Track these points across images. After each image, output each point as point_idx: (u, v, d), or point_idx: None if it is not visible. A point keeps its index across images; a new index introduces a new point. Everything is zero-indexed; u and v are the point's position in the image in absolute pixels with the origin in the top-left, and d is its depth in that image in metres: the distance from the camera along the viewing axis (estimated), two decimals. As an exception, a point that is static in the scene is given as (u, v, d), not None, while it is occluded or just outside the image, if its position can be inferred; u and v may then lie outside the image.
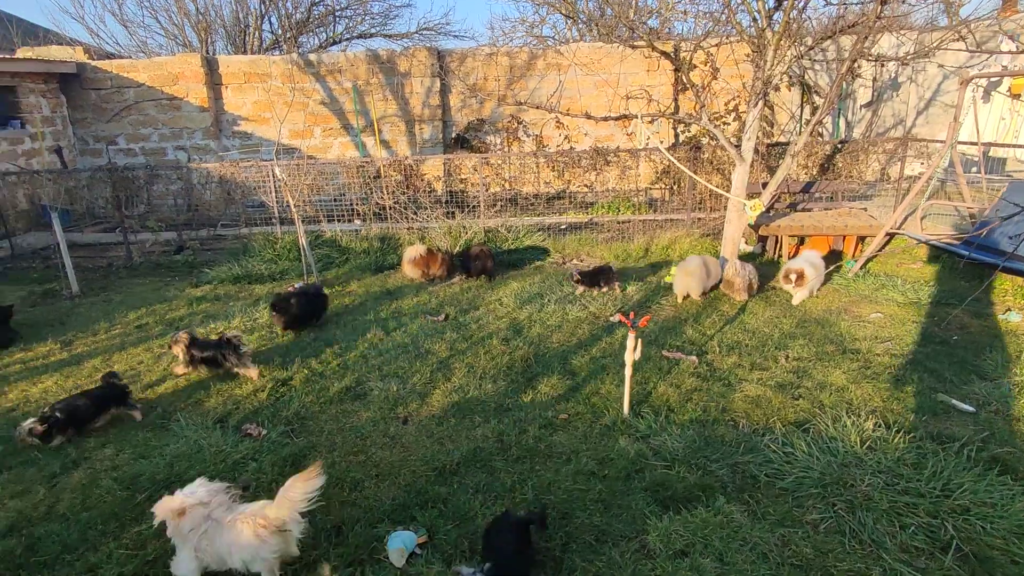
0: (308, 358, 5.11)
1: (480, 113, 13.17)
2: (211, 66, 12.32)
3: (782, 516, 3.00)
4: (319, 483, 2.63)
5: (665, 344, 5.18)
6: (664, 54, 6.51)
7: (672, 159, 6.63)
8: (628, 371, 3.91)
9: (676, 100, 13.04)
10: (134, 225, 9.77)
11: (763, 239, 8.15)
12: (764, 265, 7.44)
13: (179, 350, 4.77)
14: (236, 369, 4.74)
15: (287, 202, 7.38)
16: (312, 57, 12.58)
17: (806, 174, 10.02)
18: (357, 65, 12.50)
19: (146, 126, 12.52)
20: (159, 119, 12.48)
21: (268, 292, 7.10)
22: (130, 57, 15.03)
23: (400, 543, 2.83)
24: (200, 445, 3.79)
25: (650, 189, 12.13)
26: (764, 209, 6.89)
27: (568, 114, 7.05)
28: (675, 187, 10.83)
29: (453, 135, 13.33)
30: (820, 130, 12.49)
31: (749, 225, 7.71)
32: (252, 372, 4.74)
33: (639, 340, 3.87)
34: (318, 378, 4.76)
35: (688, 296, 6.30)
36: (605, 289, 6.55)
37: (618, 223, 9.76)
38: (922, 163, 9.98)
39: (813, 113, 12.10)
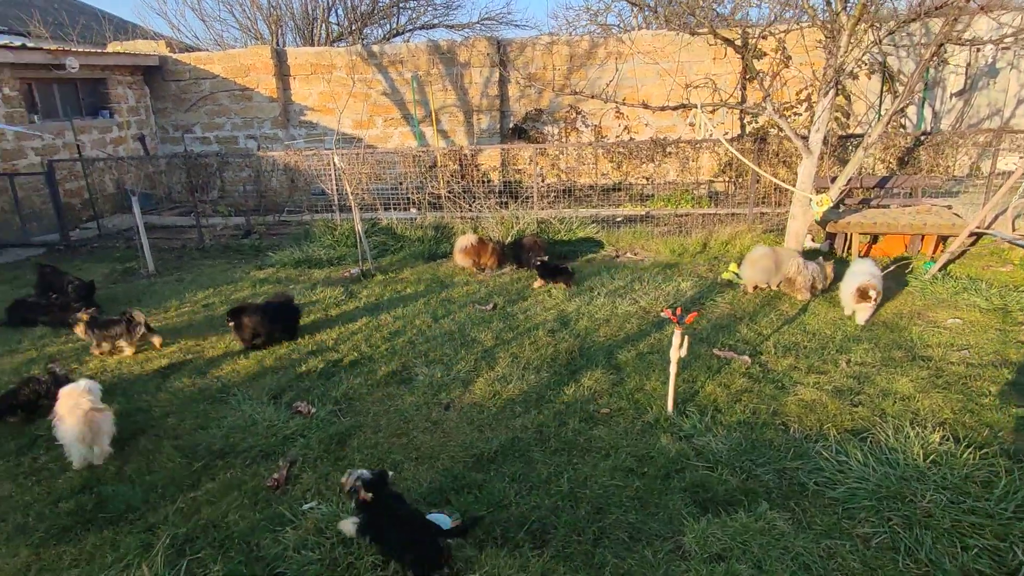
0: (358, 342, 5.26)
1: (538, 103, 13.10)
2: (280, 58, 12.81)
3: (829, 527, 2.85)
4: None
5: (717, 343, 5.01)
6: (727, 41, 6.24)
7: (733, 150, 6.38)
8: (673, 368, 3.81)
9: (743, 89, 12.53)
10: (206, 209, 10.33)
11: (831, 236, 7.73)
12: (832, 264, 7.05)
13: (80, 329, 5.03)
14: (125, 343, 5.15)
15: (346, 190, 7.60)
16: (375, 48, 12.86)
17: (885, 168, 9.41)
18: (418, 55, 12.68)
19: (220, 115, 13.17)
20: (232, 109, 13.11)
21: (326, 276, 7.36)
22: (207, 50, 15.82)
23: (434, 526, 2.88)
24: (255, 419, 3.98)
25: (712, 182, 11.75)
26: (832, 205, 6.53)
27: (625, 104, 6.90)
28: (739, 180, 10.44)
29: (511, 125, 13.33)
30: (902, 121, 11.69)
31: (816, 221, 7.33)
32: (156, 340, 5.30)
33: (685, 337, 3.75)
34: (367, 361, 4.89)
35: (758, 287, 6.13)
36: (562, 286, 6.61)
37: (676, 216, 9.50)
38: (1021, 156, 9.17)
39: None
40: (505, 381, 4.45)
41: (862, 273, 5.35)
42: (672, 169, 10.56)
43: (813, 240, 7.88)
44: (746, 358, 4.65)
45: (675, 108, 6.47)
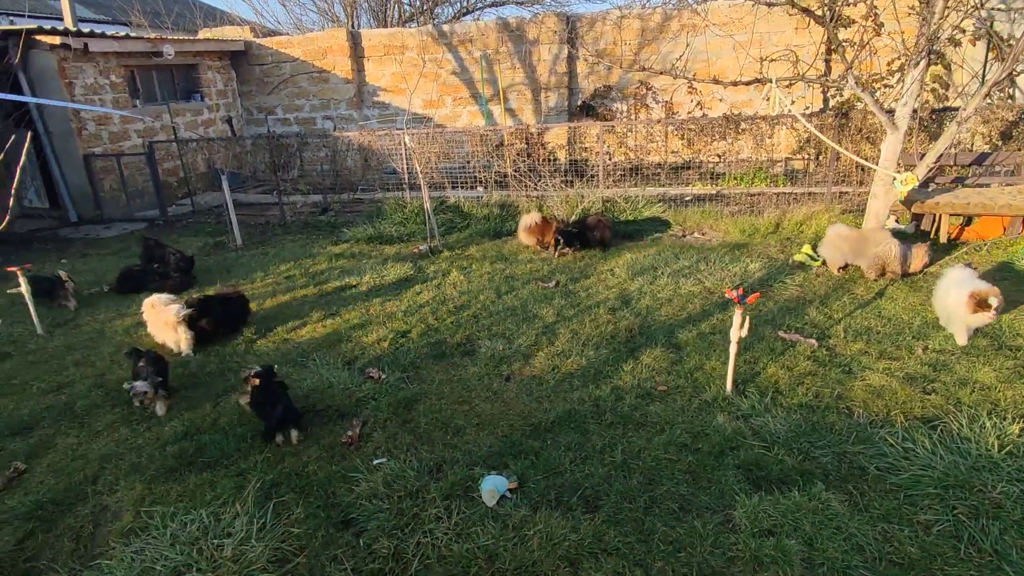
0: (426, 315, 5.52)
1: (607, 79, 12.90)
2: (355, 40, 13.23)
3: (888, 512, 2.81)
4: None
5: (783, 325, 4.91)
6: (805, 11, 5.94)
7: (810, 126, 6.10)
8: (733, 348, 3.80)
9: (827, 61, 11.82)
10: (287, 188, 10.95)
11: (917, 217, 7.28)
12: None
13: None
14: (64, 303, 6.14)
15: (415, 169, 7.86)
16: (445, 28, 13.03)
17: (986, 143, 8.70)
18: (487, 34, 12.75)
19: (299, 97, 13.81)
20: (310, 91, 13.71)
21: (396, 252, 7.69)
22: (287, 34, 16.52)
23: (492, 485, 3.07)
24: (331, 382, 4.31)
25: (790, 160, 11.25)
26: (919, 184, 6.14)
27: (696, 79, 6.72)
28: (819, 158, 9.95)
29: (579, 102, 13.21)
30: (1010, 91, 10.69)
31: (900, 201, 6.92)
32: (71, 304, 6.15)
33: (747, 317, 3.73)
34: (433, 332, 5.14)
35: (843, 269, 5.99)
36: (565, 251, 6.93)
37: (748, 196, 9.20)
38: None
39: (1000, 72, 10.36)
40: (564, 356, 4.57)
41: (965, 281, 4.37)
42: (747, 146, 10.19)
43: (897, 221, 7.46)
44: (812, 341, 4.54)
45: (748, 83, 6.25)
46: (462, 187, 9.86)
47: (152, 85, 12.14)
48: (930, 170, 6.07)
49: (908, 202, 6.91)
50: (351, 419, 3.86)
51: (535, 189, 9.48)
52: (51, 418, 4.10)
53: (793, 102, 11.96)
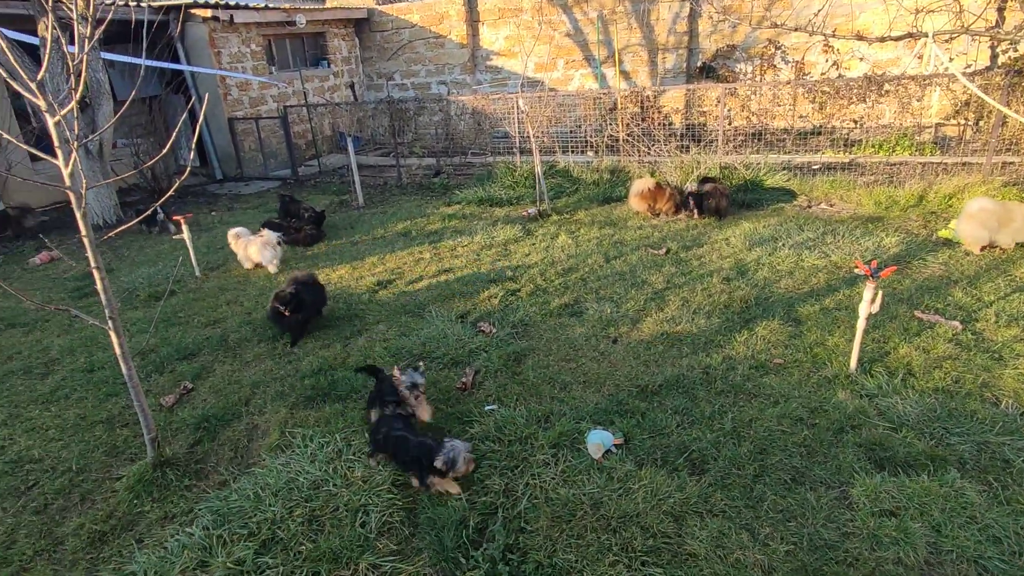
0: (534, 275, 5.65)
1: (731, 39, 12.10)
2: (471, 4, 13.34)
3: (1036, 508, 2.58)
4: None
5: (921, 305, 4.51)
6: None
7: (971, 86, 5.39)
8: (861, 324, 3.57)
9: (1001, 10, 10.28)
10: (404, 151, 11.45)
11: (1102, 192, 6.29)
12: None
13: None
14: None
15: (527, 133, 7.92)
16: (562, -12, 12.78)
17: None
18: (605, -7, 12.35)
19: (416, 63, 14.25)
20: (427, 56, 14.09)
21: (505, 215, 7.86)
22: (407, 1, 16.97)
23: (599, 439, 3.16)
24: (446, 333, 4.57)
25: (941, 126, 10.06)
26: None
27: (835, 35, 6.15)
28: (979, 123, 8.79)
29: (698, 64, 12.53)
30: None
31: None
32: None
33: (879, 292, 3.47)
34: (542, 293, 5.27)
35: (985, 248, 5.37)
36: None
37: (888, 165, 8.37)
38: None
39: None
40: (674, 322, 4.52)
41: None
42: (890, 110, 9.21)
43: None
44: (956, 323, 4.14)
45: (898, 38, 5.63)
46: (572, 152, 9.80)
47: (286, 53, 13.05)
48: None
49: (1090, 174, 5.97)
50: (464, 367, 4.09)
51: (648, 154, 9.23)
52: (210, 348, 4.71)
53: (952, 59, 10.59)
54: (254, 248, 6.31)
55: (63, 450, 3.56)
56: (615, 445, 3.19)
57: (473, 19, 13.48)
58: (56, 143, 2.71)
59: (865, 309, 3.52)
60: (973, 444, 2.98)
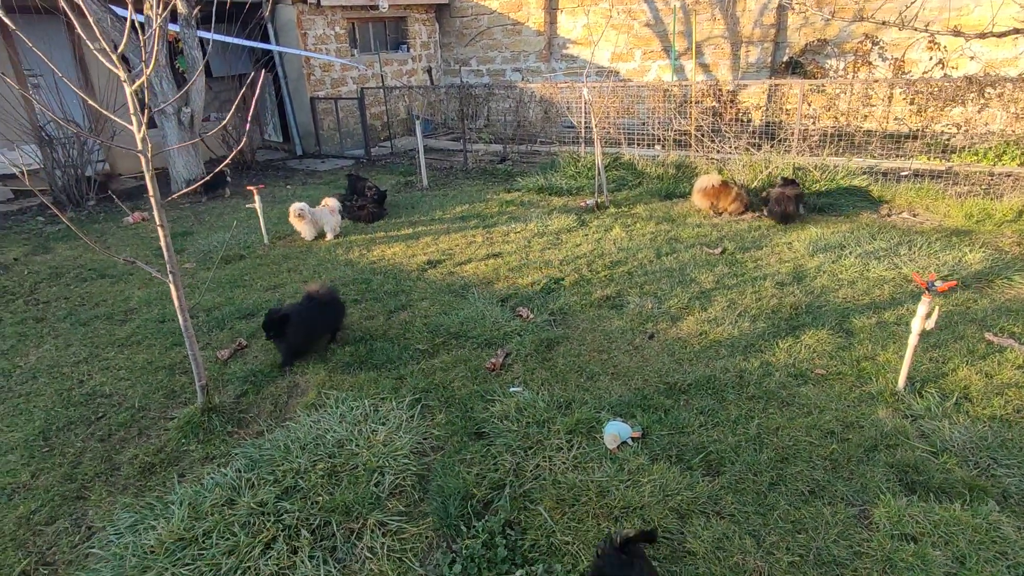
0: (581, 265, 5.64)
1: (823, 33, 11.42)
2: (551, -9, 13.28)
3: (1082, 552, 2.36)
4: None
5: (996, 327, 4.16)
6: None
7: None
8: (913, 339, 3.34)
9: None
10: (472, 136, 11.63)
11: None
12: None
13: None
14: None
15: (591, 123, 7.85)
16: (645, -24, 12.48)
17: None
18: (689, -18, 11.96)
19: (493, 50, 14.37)
20: (503, 43, 14.17)
21: (563, 204, 7.86)
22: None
23: (616, 430, 3.16)
24: (484, 314, 4.67)
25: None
26: None
27: (927, 30, 5.69)
28: None
29: (784, 58, 11.92)
30: None
31: None
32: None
33: (936, 307, 3.24)
34: (585, 283, 5.26)
35: None
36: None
37: (990, 176, 7.69)
38: None
39: None
40: (716, 323, 4.40)
41: None
42: (1003, 115, 8.41)
43: None
44: (1029, 349, 3.80)
45: (1002, 34, 5.14)
46: (639, 144, 9.62)
47: (368, 36, 13.51)
48: None
49: None
50: (496, 349, 4.17)
51: (717, 151, 8.92)
52: (267, 309, 5.03)
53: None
54: (321, 212, 6.85)
55: (129, 389, 3.94)
56: (632, 438, 3.17)
57: (552, 6, 13.42)
58: (131, 111, 2.98)
59: (919, 324, 3.30)
60: (1023, 478, 2.75)
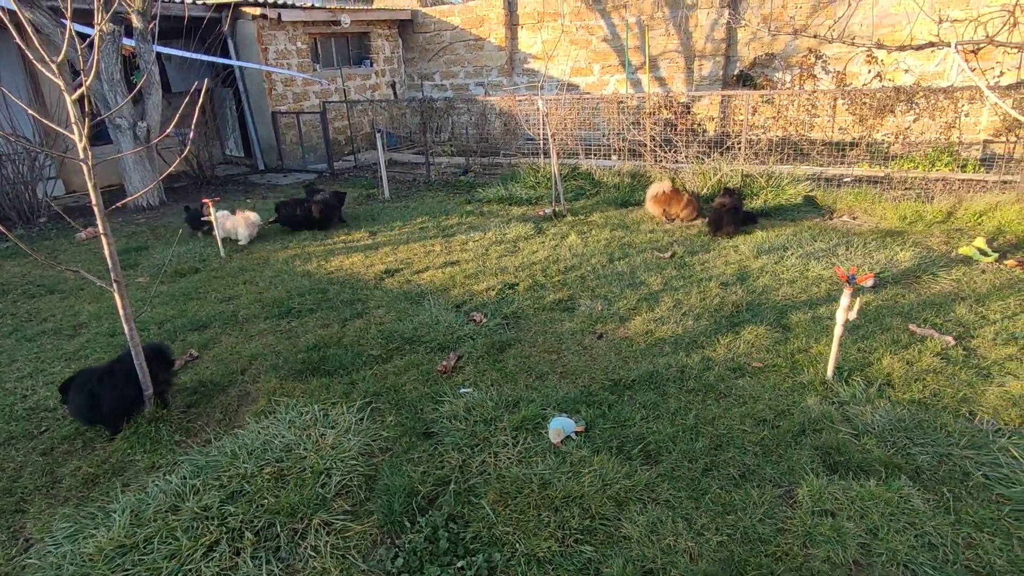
0: (535, 271, 5.77)
1: (771, 47, 11.92)
2: (511, 7, 13.57)
3: (982, 520, 2.53)
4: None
5: (920, 319, 4.41)
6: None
7: (994, 96, 5.20)
8: (838, 331, 3.54)
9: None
10: (436, 150, 11.75)
11: None
12: None
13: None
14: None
15: (546, 134, 8.04)
16: (601, -7, 12.86)
17: None
18: (643, -1, 12.37)
19: (456, 65, 14.56)
20: (466, 58, 14.38)
21: (522, 213, 8.01)
22: (450, 3, 17.35)
23: (560, 425, 3.25)
24: (439, 320, 4.74)
25: (989, 142, 9.69)
26: None
27: (853, 43, 6.06)
28: None
29: (736, 71, 12.38)
30: None
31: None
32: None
33: (857, 299, 3.44)
34: (538, 288, 5.38)
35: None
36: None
37: (926, 181, 8.12)
38: None
39: None
40: (661, 322, 4.56)
41: None
42: (936, 125, 8.90)
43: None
44: (949, 338, 4.04)
45: (920, 47, 5.49)
46: (596, 155, 9.86)
47: (331, 51, 13.57)
48: None
49: None
50: (449, 352, 4.25)
51: (672, 160, 9.20)
52: (220, 321, 5.02)
53: (1002, 74, 10.14)
54: (231, 223, 7.14)
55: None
56: (576, 432, 3.27)
57: (512, 22, 13.70)
58: (72, 120, 3.00)
59: (842, 316, 3.50)
60: (934, 455, 2.93)
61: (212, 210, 6.55)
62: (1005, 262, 5.44)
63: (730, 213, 6.62)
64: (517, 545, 2.56)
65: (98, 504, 2.95)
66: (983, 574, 2.30)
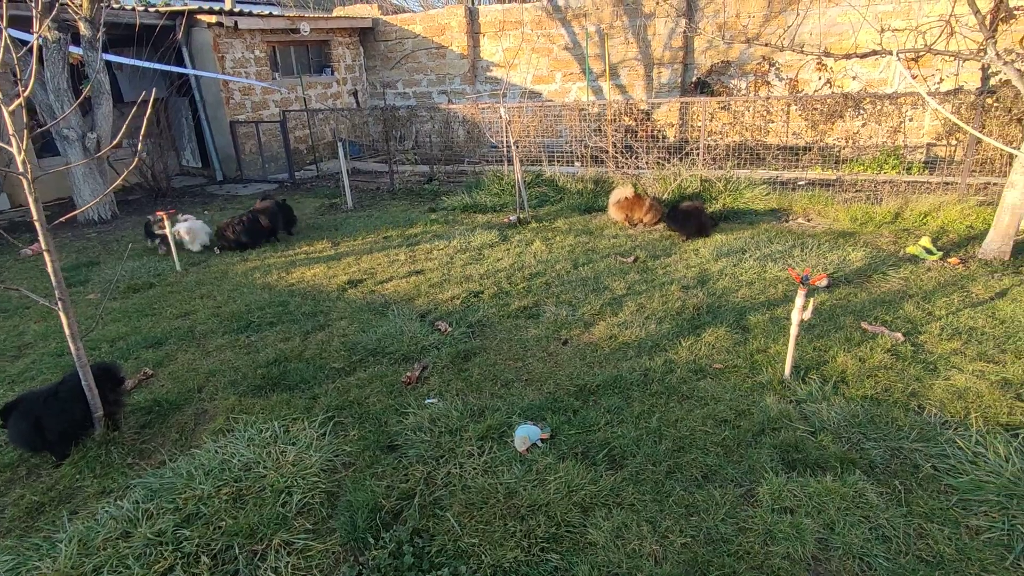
0: (500, 279, 5.77)
1: (726, 55, 12.24)
2: (472, 16, 13.61)
3: (932, 511, 2.63)
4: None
5: (870, 317, 4.56)
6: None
7: (932, 102, 5.45)
8: (794, 330, 3.64)
9: (993, 31, 10.33)
10: (400, 158, 11.67)
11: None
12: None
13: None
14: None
15: (508, 141, 8.08)
16: (561, 2, 13.00)
17: None
18: (602, 8, 12.56)
19: (418, 72, 14.52)
20: (429, 66, 14.35)
21: (487, 221, 8.01)
22: (412, 11, 17.34)
23: (525, 433, 3.25)
24: (403, 330, 4.69)
25: (932, 146, 10.13)
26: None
27: (802, 51, 6.27)
28: (978, 145, 8.85)
29: (693, 79, 12.67)
30: None
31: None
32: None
33: (811, 299, 3.55)
34: (504, 295, 5.38)
35: None
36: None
37: (875, 183, 8.43)
38: None
39: None
40: (625, 327, 4.60)
41: None
42: (882, 130, 9.28)
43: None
44: (898, 335, 4.19)
45: (864, 55, 5.72)
46: (560, 162, 9.94)
47: (290, 59, 13.37)
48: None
49: (1059, 195, 5.99)
50: (414, 363, 4.20)
51: (633, 167, 9.34)
52: (177, 337, 4.86)
53: (942, 80, 10.64)
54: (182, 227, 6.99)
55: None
56: (541, 439, 3.27)
57: (474, 31, 13.74)
58: (10, 131, 2.88)
59: (797, 316, 3.60)
60: (887, 449, 3.03)
61: (167, 223, 6.36)
62: (948, 260, 5.69)
63: (703, 214, 6.87)
64: (483, 556, 2.54)
65: (43, 534, 2.81)
66: (933, 563, 2.38)
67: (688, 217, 6.89)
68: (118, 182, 3.76)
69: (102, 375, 3.49)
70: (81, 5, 8.31)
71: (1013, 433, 3.07)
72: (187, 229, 6.85)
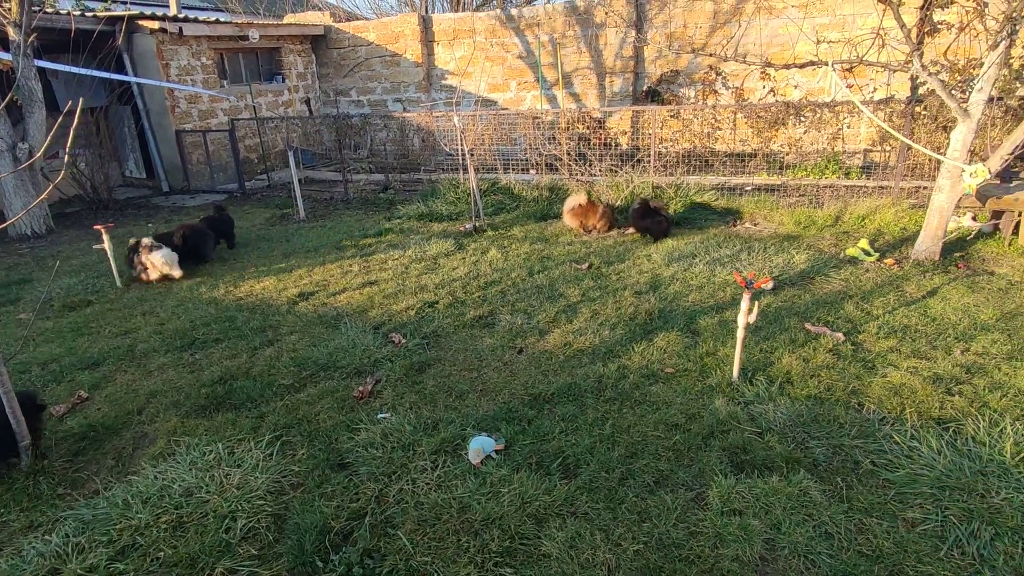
0: (456, 288, 5.73)
1: (675, 64, 12.55)
2: (426, 24, 13.57)
3: (871, 505, 2.72)
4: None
5: (813, 318, 4.72)
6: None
7: (866, 110, 5.72)
8: (740, 334, 3.73)
9: (919, 44, 10.92)
10: (354, 166, 11.50)
11: (997, 215, 6.70)
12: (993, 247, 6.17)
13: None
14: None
15: (463, 149, 8.06)
16: (514, 12, 13.11)
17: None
18: (554, 17, 12.72)
19: (372, 80, 14.36)
20: (383, 74, 14.22)
21: (443, 230, 7.96)
22: (365, 18, 17.16)
23: (479, 445, 3.22)
24: (355, 343, 4.60)
25: (869, 151, 10.62)
26: (992, 177, 5.67)
27: (747, 62, 6.49)
28: (909, 151, 9.32)
29: (644, 88, 12.95)
30: None
31: (968, 194, 6.39)
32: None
33: (756, 303, 3.65)
34: (459, 305, 5.34)
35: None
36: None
37: (818, 188, 8.77)
38: None
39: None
40: (579, 334, 4.63)
41: None
42: (823, 137, 9.67)
43: (975, 219, 6.89)
44: (839, 335, 4.36)
45: (802, 66, 5.96)
46: (515, 170, 9.98)
47: (239, 67, 13.03)
48: (1004, 162, 5.55)
49: (982, 198, 6.38)
50: (366, 377, 4.12)
51: (587, 174, 9.46)
52: (115, 357, 4.64)
53: (875, 89, 11.19)
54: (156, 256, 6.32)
55: (-63, 460, 3.45)
56: (496, 451, 3.25)
57: (428, 39, 13.70)
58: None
59: (743, 319, 3.69)
60: (829, 447, 3.13)
61: (106, 237, 6.07)
62: (885, 261, 5.96)
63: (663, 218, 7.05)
64: (436, 575, 2.49)
65: (-38, 575, 2.62)
66: (873, 557, 2.47)
67: (659, 219, 7.04)
68: (46, 193, 3.57)
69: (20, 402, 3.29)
70: (10, 9, 7.91)
71: (944, 427, 3.22)
72: (164, 257, 6.31)
